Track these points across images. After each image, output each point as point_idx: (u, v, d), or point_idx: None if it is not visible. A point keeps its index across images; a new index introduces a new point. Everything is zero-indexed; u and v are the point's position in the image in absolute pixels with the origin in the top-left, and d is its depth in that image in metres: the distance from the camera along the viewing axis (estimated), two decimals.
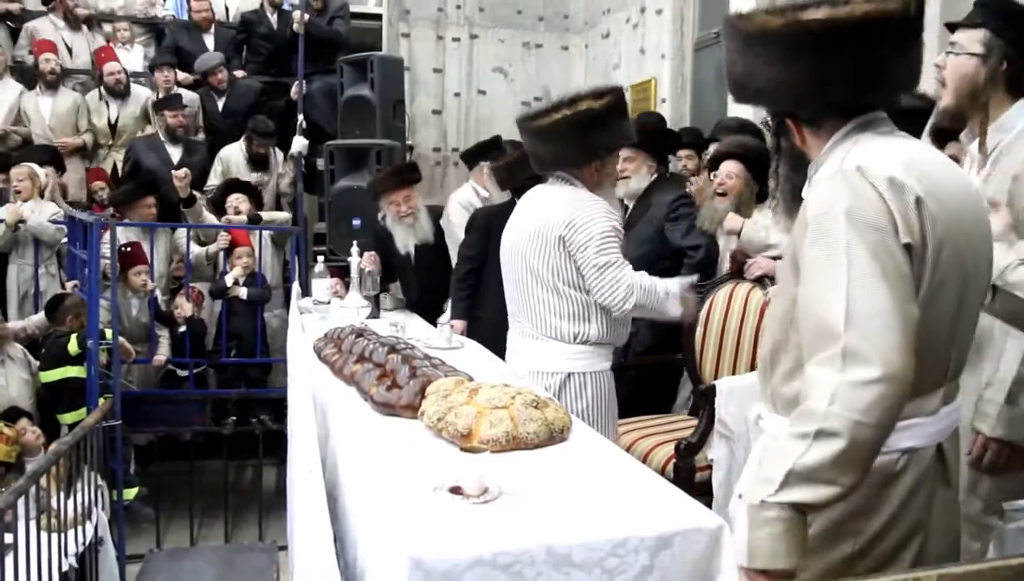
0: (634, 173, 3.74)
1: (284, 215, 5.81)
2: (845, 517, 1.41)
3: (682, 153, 4.55)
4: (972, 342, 1.60)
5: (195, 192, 5.31)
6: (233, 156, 5.92)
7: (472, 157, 5.27)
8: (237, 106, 6.20)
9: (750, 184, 3.55)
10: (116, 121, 6.16)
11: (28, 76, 6.20)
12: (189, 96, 6.26)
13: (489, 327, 3.47)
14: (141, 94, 6.30)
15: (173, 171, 5.28)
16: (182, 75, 6.38)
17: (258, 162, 5.90)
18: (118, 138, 6.18)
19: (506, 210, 3.70)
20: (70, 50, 6.40)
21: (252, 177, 5.83)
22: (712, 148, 4.14)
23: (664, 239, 3.67)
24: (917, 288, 1.36)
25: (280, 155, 6.08)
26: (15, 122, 5.99)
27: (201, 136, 6.29)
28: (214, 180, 5.88)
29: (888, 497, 1.42)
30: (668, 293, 2.62)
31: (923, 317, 1.35)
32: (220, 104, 6.30)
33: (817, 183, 1.43)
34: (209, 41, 6.64)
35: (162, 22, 6.91)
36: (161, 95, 6.07)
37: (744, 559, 1.30)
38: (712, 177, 3.68)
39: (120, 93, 6.13)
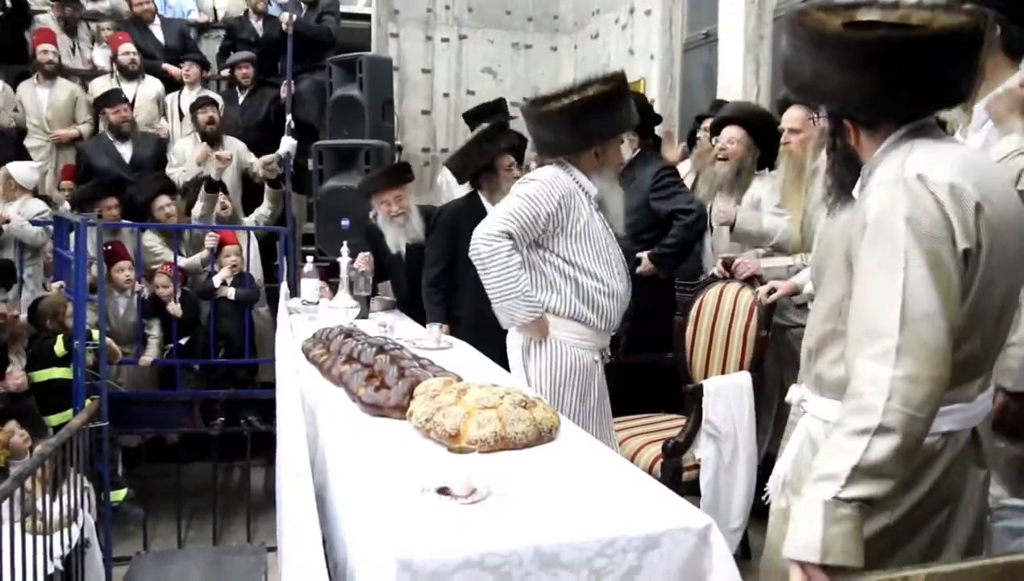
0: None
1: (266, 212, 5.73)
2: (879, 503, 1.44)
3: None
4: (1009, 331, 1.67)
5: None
6: (186, 146, 5.87)
7: (473, 119, 5.31)
8: (253, 108, 6.23)
9: (751, 149, 3.59)
10: (133, 101, 6.08)
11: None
12: (214, 97, 6.21)
13: (469, 325, 3.49)
14: (155, 82, 6.25)
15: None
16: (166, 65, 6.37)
17: (211, 139, 5.76)
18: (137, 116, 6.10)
19: (470, 204, 3.71)
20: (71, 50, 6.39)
21: (200, 150, 5.72)
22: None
23: (650, 210, 3.76)
24: (969, 286, 1.44)
25: (236, 143, 5.95)
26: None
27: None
28: (170, 170, 5.82)
29: (925, 476, 1.50)
30: (522, 294, 2.65)
31: (973, 312, 1.45)
32: (240, 100, 6.29)
33: (876, 187, 1.47)
34: (158, 33, 6.55)
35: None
36: (190, 92, 6.07)
37: (814, 555, 1.30)
38: (714, 142, 3.71)
39: (133, 74, 6.08)
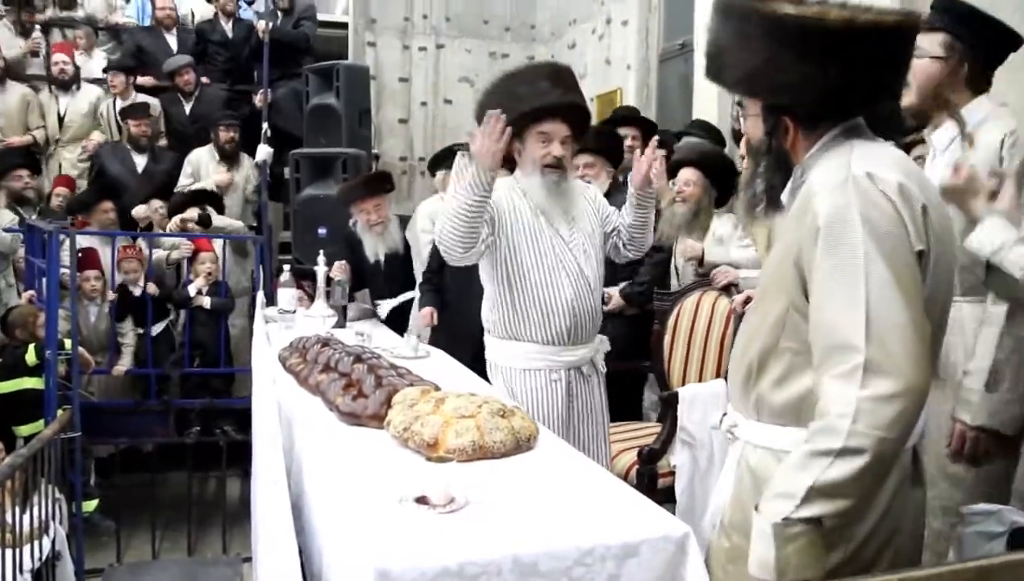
0: (594, 178, 3.79)
1: (238, 224, 5.69)
2: (837, 525, 1.39)
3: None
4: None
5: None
6: (202, 158, 5.86)
7: (433, 165, 5.29)
8: (205, 111, 6.12)
9: (708, 190, 3.63)
10: (64, 115, 6.04)
11: None
12: (150, 102, 6.19)
13: (448, 323, 3.54)
14: (91, 91, 6.19)
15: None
16: (143, 79, 6.31)
17: (229, 157, 5.82)
18: (64, 133, 6.06)
19: None
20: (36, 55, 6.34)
21: (223, 176, 5.77)
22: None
23: None
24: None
25: (247, 159, 6.00)
26: None
27: (163, 142, 6.20)
28: (184, 181, 5.82)
29: (875, 502, 1.43)
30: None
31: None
32: (187, 108, 6.22)
33: (822, 188, 1.39)
34: (172, 42, 6.56)
35: (123, 28, 6.83)
36: (120, 101, 5.99)
37: (771, 575, 1.29)
38: (672, 184, 3.73)
39: (65, 84, 6.03)
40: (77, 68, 6.14)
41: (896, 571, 1.36)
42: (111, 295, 4.90)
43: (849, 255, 1.32)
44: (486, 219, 2.54)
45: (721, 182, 3.62)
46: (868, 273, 1.30)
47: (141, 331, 5.04)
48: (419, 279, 3.95)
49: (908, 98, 2.17)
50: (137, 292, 4.98)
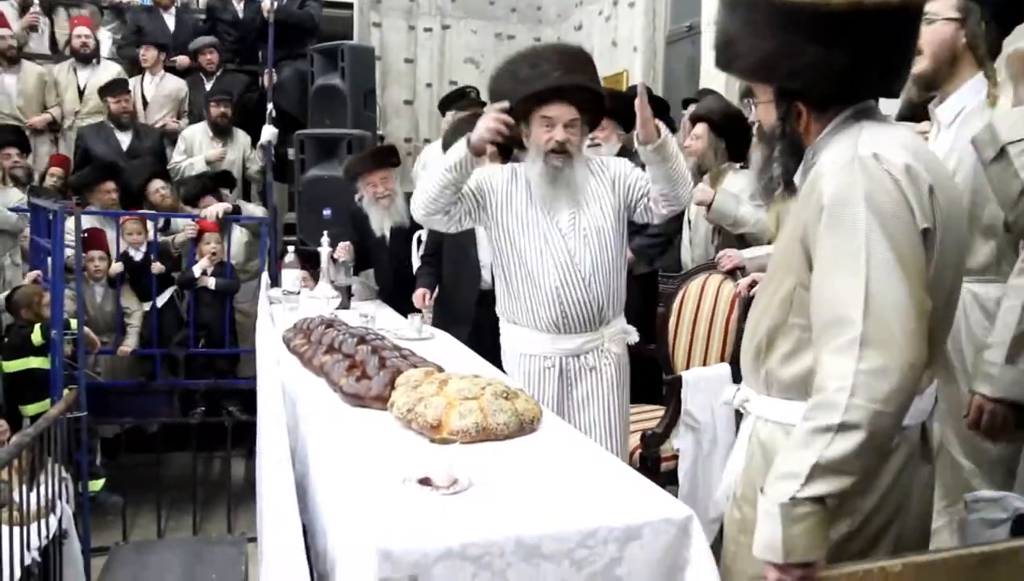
0: (605, 141, 3.79)
1: (259, 210, 5.69)
2: (844, 498, 1.40)
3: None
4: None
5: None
6: (196, 133, 5.85)
7: (443, 105, 5.38)
8: (223, 92, 6.10)
9: (715, 145, 3.66)
10: (84, 89, 6.02)
11: None
12: (176, 84, 6.17)
13: (444, 302, 3.57)
14: (111, 67, 6.18)
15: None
16: (177, 58, 6.32)
17: (222, 132, 5.80)
18: (84, 106, 6.03)
19: None
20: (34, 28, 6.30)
21: (215, 151, 5.77)
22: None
23: None
24: (929, 273, 1.39)
25: (244, 137, 5.98)
26: None
27: (184, 122, 6.18)
28: (177, 157, 5.82)
29: (881, 475, 1.45)
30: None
31: (931, 300, 1.39)
32: (208, 88, 6.20)
33: (830, 167, 1.41)
34: (170, 21, 6.53)
35: (126, 7, 6.80)
36: (149, 76, 5.99)
37: (777, 556, 1.30)
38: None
39: (86, 58, 6.00)
40: (98, 42, 6.11)
41: (900, 555, 1.37)
42: (116, 267, 4.90)
43: (851, 233, 1.34)
44: (463, 200, 2.60)
45: (735, 139, 3.61)
46: (869, 251, 1.32)
47: (147, 308, 5.04)
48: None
49: (920, 65, 2.13)
50: (138, 257, 4.97)
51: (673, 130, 4.90)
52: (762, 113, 1.60)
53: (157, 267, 4.98)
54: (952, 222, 1.44)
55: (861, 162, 1.37)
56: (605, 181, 2.68)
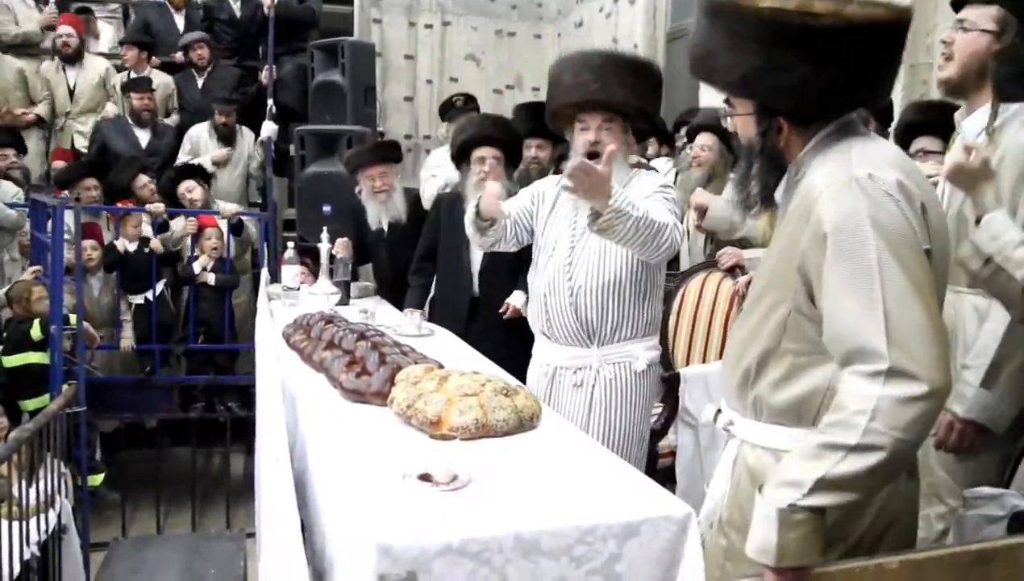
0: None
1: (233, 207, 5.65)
2: (839, 521, 1.40)
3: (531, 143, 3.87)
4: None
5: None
6: (201, 134, 5.85)
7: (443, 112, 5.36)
8: (217, 88, 6.10)
9: (724, 155, 3.66)
10: (74, 88, 6.00)
11: None
12: (162, 78, 6.16)
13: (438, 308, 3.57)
14: (99, 63, 6.15)
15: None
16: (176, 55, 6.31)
17: (226, 136, 5.81)
18: (75, 105, 6.02)
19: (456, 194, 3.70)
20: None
21: (220, 153, 5.78)
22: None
23: None
24: None
25: (249, 134, 5.98)
26: None
27: (175, 118, 6.18)
28: (183, 157, 5.81)
29: (874, 498, 1.43)
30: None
31: None
32: (200, 84, 6.19)
33: (825, 191, 1.37)
34: (180, 21, 6.53)
35: (131, 2, 6.80)
36: (131, 74, 5.96)
37: (771, 559, 1.30)
38: (690, 148, 3.79)
39: (69, 58, 5.97)
40: (82, 40, 6.08)
41: (897, 553, 1.37)
42: (121, 243, 4.91)
43: (862, 260, 1.31)
44: (513, 225, 2.63)
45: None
46: (883, 277, 1.29)
47: (138, 301, 5.04)
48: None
49: (948, 71, 2.10)
50: (132, 248, 4.96)
51: (672, 139, 4.93)
52: (740, 126, 1.56)
53: (154, 243, 4.97)
54: (941, 240, 1.43)
55: (860, 184, 1.34)
56: (640, 192, 2.47)
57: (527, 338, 2.75)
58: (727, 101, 1.59)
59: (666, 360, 3.45)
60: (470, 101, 5.03)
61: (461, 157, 3.46)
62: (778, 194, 1.54)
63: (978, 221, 1.86)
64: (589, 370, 2.55)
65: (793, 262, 1.42)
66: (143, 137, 5.76)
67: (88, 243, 4.81)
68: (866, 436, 1.26)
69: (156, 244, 5.02)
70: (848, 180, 1.35)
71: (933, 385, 1.26)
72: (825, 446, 1.29)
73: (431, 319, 3.52)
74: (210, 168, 5.69)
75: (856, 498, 1.30)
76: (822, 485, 1.27)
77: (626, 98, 2.44)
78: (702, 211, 3.50)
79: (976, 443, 2.05)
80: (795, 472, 1.31)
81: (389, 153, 4.13)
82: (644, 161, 2.84)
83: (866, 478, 1.28)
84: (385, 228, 4.02)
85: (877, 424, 1.25)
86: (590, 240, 2.47)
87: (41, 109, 5.97)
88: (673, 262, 3.93)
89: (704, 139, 3.72)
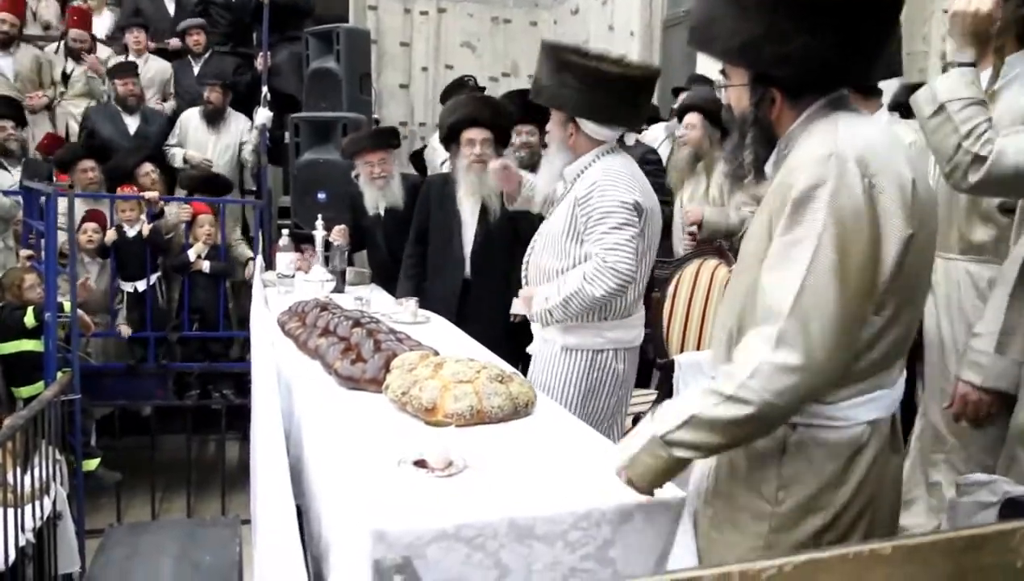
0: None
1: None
2: (816, 492, 1.44)
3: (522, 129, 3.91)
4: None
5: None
6: (191, 119, 5.82)
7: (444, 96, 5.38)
8: (212, 76, 6.05)
9: (710, 134, 3.70)
10: (71, 73, 5.97)
11: None
12: (160, 65, 6.13)
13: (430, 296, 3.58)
14: (101, 53, 6.13)
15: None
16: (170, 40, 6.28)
17: (212, 115, 5.76)
18: (71, 89, 5.99)
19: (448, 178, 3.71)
20: (34, 14, 6.27)
21: (211, 137, 5.75)
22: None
23: None
24: (908, 271, 1.39)
25: (240, 118, 5.94)
26: None
27: (172, 103, 6.15)
28: (170, 140, 5.80)
29: (854, 469, 1.46)
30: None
31: (907, 296, 1.41)
32: (196, 70, 6.16)
33: (806, 161, 1.39)
34: (170, 5, 6.51)
35: None
36: (131, 57, 5.94)
37: (622, 463, 1.46)
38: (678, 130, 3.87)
39: (78, 57, 5.96)
40: (93, 39, 6.06)
41: (890, 538, 1.37)
42: (110, 234, 4.87)
43: (806, 232, 1.35)
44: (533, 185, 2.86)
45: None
46: (817, 253, 1.34)
47: (128, 289, 5.03)
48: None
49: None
50: (131, 233, 4.95)
51: (663, 119, 4.95)
52: (733, 98, 1.57)
53: (147, 229, 4.96)
54: (928, 217, 1.44)
55: (836, 161, 1.35)
56: (575, 193, 2.51)
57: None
58: (723, 72, 1.59)
59: (660, 347, 3.46)
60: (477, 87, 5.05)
61: (451, 139, 3.48)
62: (768, 168, 1.55)
63: (945, 69, 1.90)
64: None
65: (765, 227, 1.46)
66: (132, 123, 5.71)
67: (91, 225, 4.80)
68: (740, 390, 1.34)
69: (144, 229, 4.97)
70: (828, 155, 1.37)
71: (812, 362, 1.32)
72: (708, 390, 1.39)
73: (423, 301, 3.52)
74: (180, 163, 5.69)
75: (718, 441, 1.39)
76: (693, 421, 1.38)
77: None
78: (698, 223, 3.54)
79: (997, 410, 2.04)
80: (680, 406, 1.42)
81: (388, 139, 4.15)
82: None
83: (732, 426, 1.36)
84: (382, 213, 4.02)
85: (753, 382, 1.33)
86: (542, 231, 2.65)
87: (50, 93, 5.95)
88: (668, 250, 3.94)
89: (690, 118, 3.76)
